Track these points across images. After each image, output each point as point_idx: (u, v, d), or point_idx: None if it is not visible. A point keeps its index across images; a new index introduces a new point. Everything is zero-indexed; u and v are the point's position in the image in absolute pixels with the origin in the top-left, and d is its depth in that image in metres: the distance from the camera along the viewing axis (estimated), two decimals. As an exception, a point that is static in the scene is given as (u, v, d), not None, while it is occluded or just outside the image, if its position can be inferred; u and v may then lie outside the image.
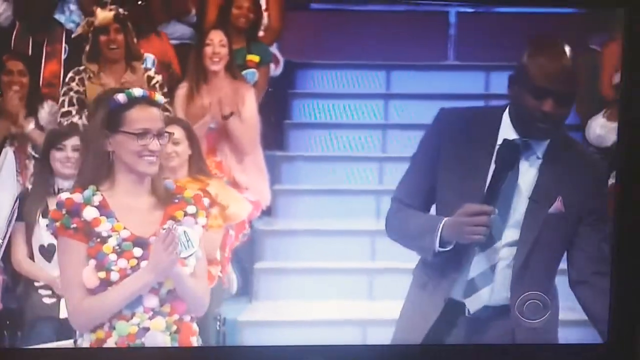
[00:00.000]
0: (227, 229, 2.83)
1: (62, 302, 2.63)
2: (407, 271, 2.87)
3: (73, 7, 2.86)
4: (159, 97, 2.19)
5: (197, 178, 2.74)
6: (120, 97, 2.11)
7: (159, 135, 2.12)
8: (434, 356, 2.47)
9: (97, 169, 2.14)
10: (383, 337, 2.81)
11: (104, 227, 2.11)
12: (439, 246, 2.26)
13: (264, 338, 2.85)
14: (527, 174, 2.21)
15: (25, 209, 2.70)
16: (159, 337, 2.13)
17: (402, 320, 2.48)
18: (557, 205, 2.17)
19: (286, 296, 2.94)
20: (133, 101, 2.11)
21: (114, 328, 2.12)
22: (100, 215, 2.11)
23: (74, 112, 2.78)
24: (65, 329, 2.59)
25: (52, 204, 2.64)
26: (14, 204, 2.70)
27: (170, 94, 2.83)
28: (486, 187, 2.18)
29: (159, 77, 2.82)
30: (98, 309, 2.12)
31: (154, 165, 2.14)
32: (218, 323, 2.78)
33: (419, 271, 2.44)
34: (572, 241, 2.27)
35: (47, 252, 2.70)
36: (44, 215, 2.68)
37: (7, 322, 2.67)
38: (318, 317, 2.86)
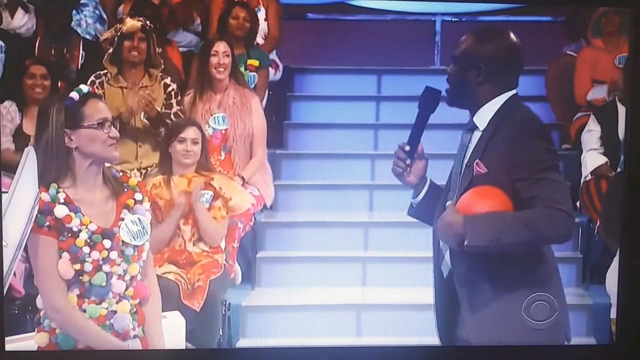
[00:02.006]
0: (236, 222, 2.96)
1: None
2: (397, 259, 3.10)
3: (90, 20, 3.05)
4: (98, 92, 2.30)
5: (202, 174, 2.87)
6: (74, 95, 2.16)
7: (113, 124, 2.20)
8: (442, 358, 2.46)
9: (58, 167, 2.18)
10: (375, 320, 2.99)
11: (74, 223, 2.17)
12: (412, 198, 2.31)
13: (266, 322, 2.97)
14: (473, 146, 2.22)
15: (46, 204, 2.83)
16: (126, 318, 2.23)
17: None
18: (477, 168, 2.16)
19: (286, 283, 3.08)
20: (84, 97, 2.18)
21: (85, 311, 2.20)
22: (70, 212, 2.17)
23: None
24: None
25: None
26: (36, 200, 2.66)
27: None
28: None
29: (174, 85, 2.96)
30: (80, 329, 2.20)
31: (117, 150, 2.21)
32: (223, 308, 2.90)
33: None
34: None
35: (66, 244, 2.83)
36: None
37: (29, 307, 2.74)
38: (316, 302, 2.99)
